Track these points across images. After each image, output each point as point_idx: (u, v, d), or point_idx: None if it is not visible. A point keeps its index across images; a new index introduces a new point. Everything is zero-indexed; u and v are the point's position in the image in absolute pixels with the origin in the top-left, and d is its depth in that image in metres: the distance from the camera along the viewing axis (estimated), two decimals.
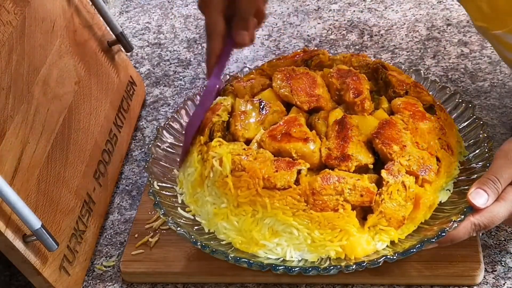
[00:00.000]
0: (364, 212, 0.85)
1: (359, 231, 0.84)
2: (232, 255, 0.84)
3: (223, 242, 0.87)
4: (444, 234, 0.82)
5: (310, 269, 0.82)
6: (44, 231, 0.82)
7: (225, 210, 0.87)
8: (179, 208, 0.92)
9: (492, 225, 0.83)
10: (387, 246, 0.85)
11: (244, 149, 0.89)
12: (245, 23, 0.90)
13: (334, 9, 1.40)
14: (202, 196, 0.90)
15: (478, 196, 0.82)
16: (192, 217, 0.91)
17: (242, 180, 0.85)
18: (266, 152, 0.88)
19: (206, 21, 0.91)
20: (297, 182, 0.85)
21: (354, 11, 1.39)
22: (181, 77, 1.28)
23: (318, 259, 0.85)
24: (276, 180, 0.84)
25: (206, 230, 0.89)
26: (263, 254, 0.85)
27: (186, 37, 1.38)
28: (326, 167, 0.86)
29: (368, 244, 0.84)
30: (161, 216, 0.90)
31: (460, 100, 1.00)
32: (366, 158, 0.87)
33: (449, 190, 0.90)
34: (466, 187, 0.88)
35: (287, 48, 1.31)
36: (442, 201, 0.89)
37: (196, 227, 0.90)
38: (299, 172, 0.85)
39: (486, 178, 0.83)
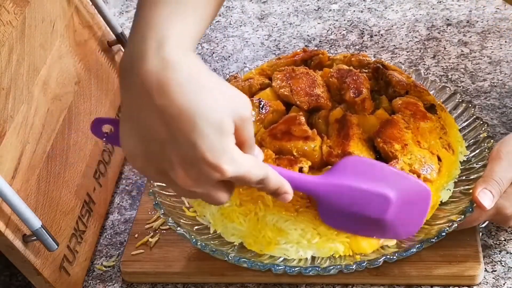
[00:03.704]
0: None
1: None
2: (232, 255, 0.84)
3: (235, 243, 0.87)
4: (444, 234, 0.82)
5: (310, 269, 0.82)
6: (44, 231, 0.82)
7: (229, 210, 0.87)
8: (179, 208, 0.92)
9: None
10: (389, 243, 0.85)
11: None
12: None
13: (334, 9, 1.40)
14: None
15: (486, 197, 0.82)
16: (193, 217, 0.91)
17: None
18: (267, 150, 0.88)
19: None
20: None
21: (354, 11, 1.39)
22: None
23: (318, 258, 0.85)
24: None
25: (212, 231, 0.89)
26: (279, 252, 0.85)
27: None
28: (328, 165, 0.86)
29: (372, 239, 0.84)
30: (161, 216, 0.90)
31: (460, 100, 1.00)
32: (367, 156, 0.87)
33: (449, 190, 0.90)
34: (467, 187, 0.88)
35: (287, 48, 1.31)
36: (442, 201, 0.89)
37: (196, 227, 0.90)
38: (300, 170, 0.85)
39: (492, 179, 0.83)
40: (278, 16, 1.40)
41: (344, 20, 1.36)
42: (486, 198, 0.82)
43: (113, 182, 1.06)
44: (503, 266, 0.88)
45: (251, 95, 0.96)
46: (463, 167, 0.92)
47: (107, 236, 1.00)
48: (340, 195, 0.80)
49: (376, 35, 1.31)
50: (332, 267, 0.82)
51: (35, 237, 0.82)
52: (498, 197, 0.83)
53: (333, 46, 1.30)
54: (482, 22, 1.30)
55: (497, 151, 0.85)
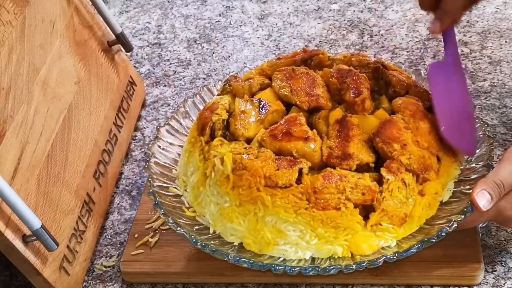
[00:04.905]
0: (365, 211, 0.85)
1: (363, 229, 0.84)
2: (232, 255, 0.84)
3: (235, 243, 0.87)
4: (444, 234, 0.82)
5: (310, 269, 0.82)
6: (44, 231, 0.82)
7: (229, 210, 0.87)
8: (179, 208, 0.92)
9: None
10: (390, 244, 0.85)
11: (245, 148, 0.89)
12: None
13: (334, 9, 1.40)
14: (205, 196, 0.90)
15: (483, 198, 0.82)
16: (193, 217, 0.91)
17: (244, 178, 0.85)
18: (267, 151, 0.87)
19: None
20: (298, 181, 0.85)
21: (354, 11, 1.39)
22: (181, 77, 1.28)
23: (318, 259, 0.85)
24: (278, 179, 0.84)
25: (212, 231, 0.89)
26: (277, 253, 0.85)
27: (186, 37, 1.38)
28: (327, 166, 0.86)
29: (372, 241, 0.84)
30: (161, 216, 0.90)
31: None
32: (367, 157, 0.87)
33: (450, 190, 0.90)
34: (467, 187, 0.88)
35: (287, 48, 1.31)
36: (443, 201, 0.89)
37: (196, 227, 0.90)
38: (300, 170, 0.85)
39: (493, 181, 0.83)
40: (278, 16, 1.40)
41: (344, 20, 1.36)
42: (483, 199, 0.82)
43: (113, 182, 1.06)
44: (503, 266, 0.88)
45: (251, 95, 0.96)
46: (463, 167, 0.92)
47: (107, 236, 1.00)
48: (457, 72, 0.89)
49: (376, 35, 1.31)
50: (332, 267, 0.82)
51: (35, 237, 0.82)
52: (497, 199, 0.82)
53: (333, 46, 1.30)
54: (482, 22, 1.30)
55: (509, 152, 0.85)
